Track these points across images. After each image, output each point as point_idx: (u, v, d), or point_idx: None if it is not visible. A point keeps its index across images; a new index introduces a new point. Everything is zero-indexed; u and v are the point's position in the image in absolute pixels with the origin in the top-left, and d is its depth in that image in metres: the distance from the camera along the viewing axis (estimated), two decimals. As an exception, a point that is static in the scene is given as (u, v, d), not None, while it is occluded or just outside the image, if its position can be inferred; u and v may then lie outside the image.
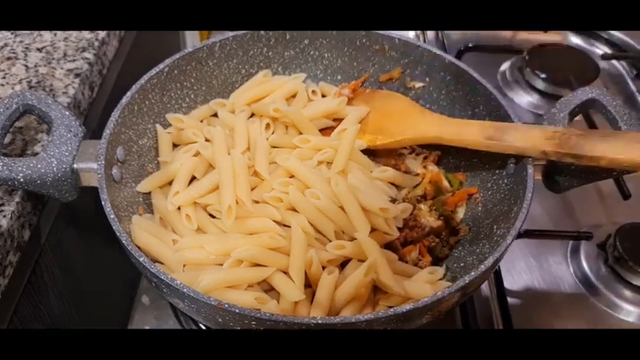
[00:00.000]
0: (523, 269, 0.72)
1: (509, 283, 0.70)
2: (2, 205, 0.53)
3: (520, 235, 0.70)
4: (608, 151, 0.50)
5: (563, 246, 0.74)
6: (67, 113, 0.55)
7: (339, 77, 0.74)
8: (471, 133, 0.58)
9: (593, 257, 0.71)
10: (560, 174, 0.58)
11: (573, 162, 0.53)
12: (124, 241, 0.46)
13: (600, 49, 1.00)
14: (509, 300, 0.68)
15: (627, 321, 0.66)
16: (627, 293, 0.67)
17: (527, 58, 0.93)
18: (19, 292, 0.56)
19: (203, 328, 0.62)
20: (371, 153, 0.66)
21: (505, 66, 0.98)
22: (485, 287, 0.70)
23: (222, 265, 0.52)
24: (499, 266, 0.69)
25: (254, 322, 0.42)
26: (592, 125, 0.79)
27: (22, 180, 0.51)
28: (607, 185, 0.78)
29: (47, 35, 0.74)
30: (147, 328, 0.62)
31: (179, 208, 0.57)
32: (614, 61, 0.97)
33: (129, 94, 0.58)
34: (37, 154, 0.55)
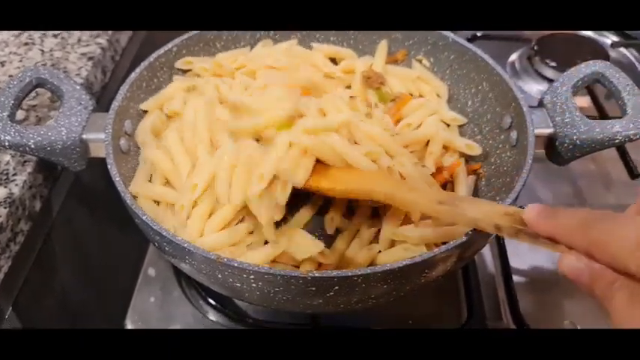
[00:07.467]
0: (530, 250, 0.71)
1: (515, 263, 0.70)
2: (15, 174, 0.55)
3: (525, 213, 0.70)
4: None
5: (571, 226, 0.73)
6: (78, 87, 0.57)
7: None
8: (423, 196, 0.50)
9: (601, 237, 0.71)
10: (563, 145, 0.57)
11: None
12: (128, 201, 0.48)
13: (609, 38, 1.00)
14: (515, 279, 0.68)
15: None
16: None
17: (536, 47, 0.93)
18: (30, 262, 0.57)
19: (207, 299, 0.63)
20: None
21: (514, 56, 0.98)
22: (491, 266, 0.70)
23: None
24: (505, 246, 0.69)
25: (252, 276, 0.43)
26: (595, 100, 0.79)
27: (32, 146, 0.52)
28: (615, 167, 0.77)
29: (63, 23, 0.76)
30: (152, 299, 0.63)
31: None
32: (624, 49, 0.97)
33: (137, 70, 0.60)
34: (49, 126, 0.57)
